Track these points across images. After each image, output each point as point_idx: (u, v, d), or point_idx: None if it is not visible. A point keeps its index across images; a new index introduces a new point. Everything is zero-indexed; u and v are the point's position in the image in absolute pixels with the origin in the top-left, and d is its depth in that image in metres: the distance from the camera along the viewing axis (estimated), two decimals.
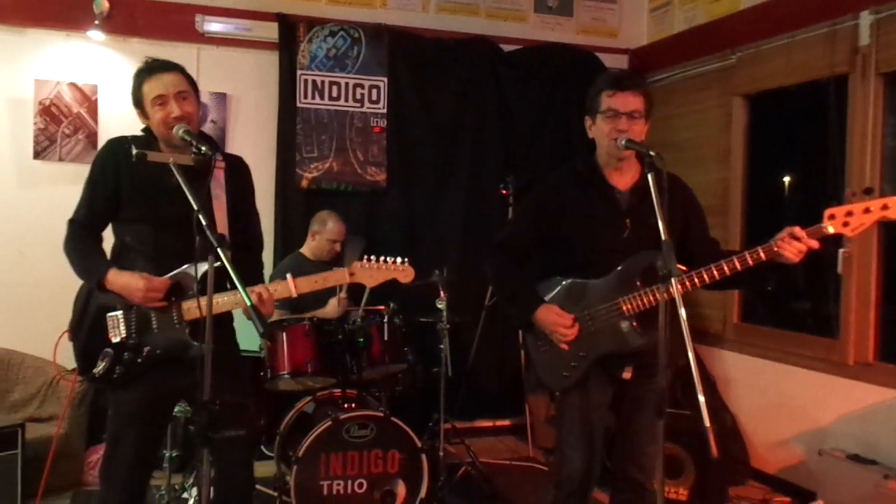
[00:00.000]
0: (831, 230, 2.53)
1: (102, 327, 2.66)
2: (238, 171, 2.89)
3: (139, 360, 2.64)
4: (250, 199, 2.97)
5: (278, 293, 2.69)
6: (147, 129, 2.75)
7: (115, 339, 2.64)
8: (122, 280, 2.59)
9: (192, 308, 2.64)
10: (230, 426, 2.59)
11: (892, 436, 3.98)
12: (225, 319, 2.74)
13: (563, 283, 2.86)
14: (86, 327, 2.69)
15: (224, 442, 2.51)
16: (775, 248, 2.55)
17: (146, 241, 2.69)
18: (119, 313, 2.65)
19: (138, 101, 2.71)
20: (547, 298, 2.85)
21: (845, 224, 2.53)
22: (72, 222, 2.74)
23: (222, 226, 2.68)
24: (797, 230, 2.54)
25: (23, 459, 3.83)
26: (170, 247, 2.65)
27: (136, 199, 2.68)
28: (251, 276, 2.68)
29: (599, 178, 2.85)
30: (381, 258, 2.82)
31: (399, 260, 2.84)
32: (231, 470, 2.75)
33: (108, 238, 2.81)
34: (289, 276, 2.72)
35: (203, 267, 2.41)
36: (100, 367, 2.63)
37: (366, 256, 2.82)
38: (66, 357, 2.86)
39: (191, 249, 2.43)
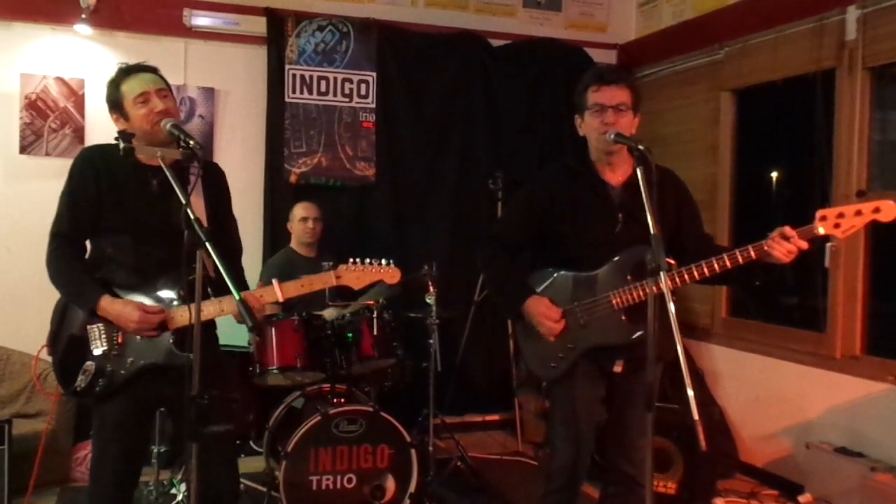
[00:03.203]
0: (822, 231, 2.54)
1: (81, 341, 2.61)
2: (215, 178, 2.86)
3: (122, 372, 2.59)
4: (227, 205, 2.93)
5: (265, 299, 2.66)
6: (122, 138, 2.66)
7: (97, 352, 2.59)
8: (115, 308, 2.54)
9: (176, 317, 2.60)
10: (218, 421, 2.57)
11: (878, 428, 4.01)
12: (208, 327, 2.72)
13: (555, 275, 2.87)
14: (64, 341, 2.64)
15: (210, 439, 2.49)
16: (765, 248, 2.55)
17: (127, 252, 2.63)
18: (100, 325, 2.60)
19: (117, 103, 2.67)
20: (538, 290, 2.86)
21: (836, 226, 2.53)
22: (55, 236, 2.65)
23: None
24: (787, 230, 2.54)
25: (10, 455, 3.81)
26: (151, 257, 2.62)
27: (117, 209, 2.62)
28: (234, 281, 2.65)
29: (591, 173, 2.86)
30: (367, 260, 2.80)
31: (385, 261, 2.83)
32: (215, 477, 2.68)
33: None
34: (275, 281, 2.69)
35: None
36: (80, 380, 2.58)
37: (351, 259, 2.80)
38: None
39: (173, 258, 2.44)
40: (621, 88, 2.75)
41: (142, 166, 2.63)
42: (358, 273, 2.79)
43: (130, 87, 2.64)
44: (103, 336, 2.60)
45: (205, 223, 2.57)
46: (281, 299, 2.70)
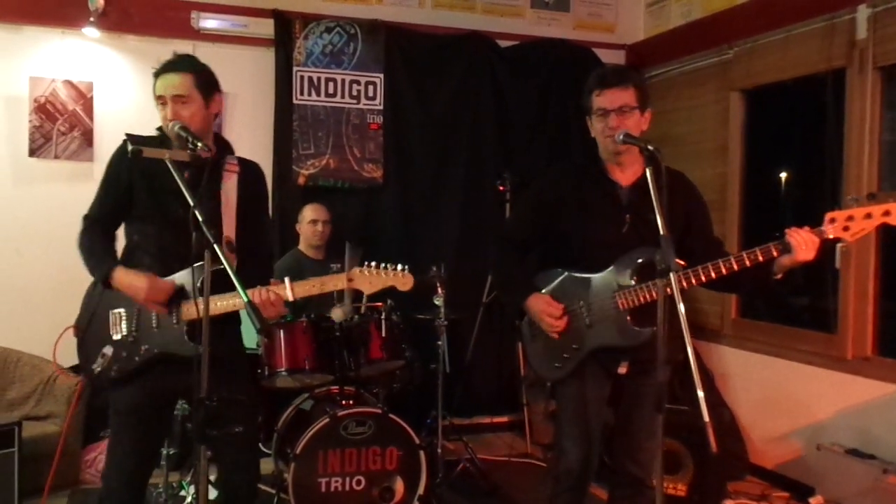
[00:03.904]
0: (831, 235, 2.54)
1: (102, 323, 2.68)
2: (252, 178, 2.90)
3: (136, 359, 2.65)
4: (262, 205, 2.99)
5: (275, 293, 2.66)
6: (129, 138, 2.74)
7: (116, 337, 2.66)
8: (127, 279, 2.59)
9: (190, 309, 2.64)
10: (228, 423, 2.58)
11: (890, 430, 3.98)
12: (230, 320, 2.75)
13: (562, 275, 2.86)
14: (86, 322, 2.72)
15: (223, 440, 2.50)
16: (774, 250, 2.55)
17: (151, 240, 2.71)
18: (121, 311, 2.67)
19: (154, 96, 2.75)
20: (544, 291, 2.86)
21: (845, 229, 2.54)
22: (86, 218, 2.76)
23: (230, 229, 2.70)
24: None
25: (20, 458, 3.82)
26: (172, 247, 2.65)
27: (144, 198, 2.70)
28: (258, 280, 2.67)
29: (600, 172, 2.85)
30: (382, 265, 2.78)
31: (399, 267, 2.80)
32: (231, 472, 2.80)
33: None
34: (286, 280, 2.70)
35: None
36: (98, 363, 2.65)
37: (366, 263, 2.79)
38: (64, 355, 2.86)
39: (195, 249, 2.46)
40: (624, 90, 2.74)
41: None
42: (371, 278, 2.77)
43: (156, 87, 2.70)
44: (123, 322, 2.67)
45: (234, 220, 2.69)
46: (291, 298, 2.69)
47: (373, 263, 2.78)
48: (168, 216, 2.66)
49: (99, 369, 2.66)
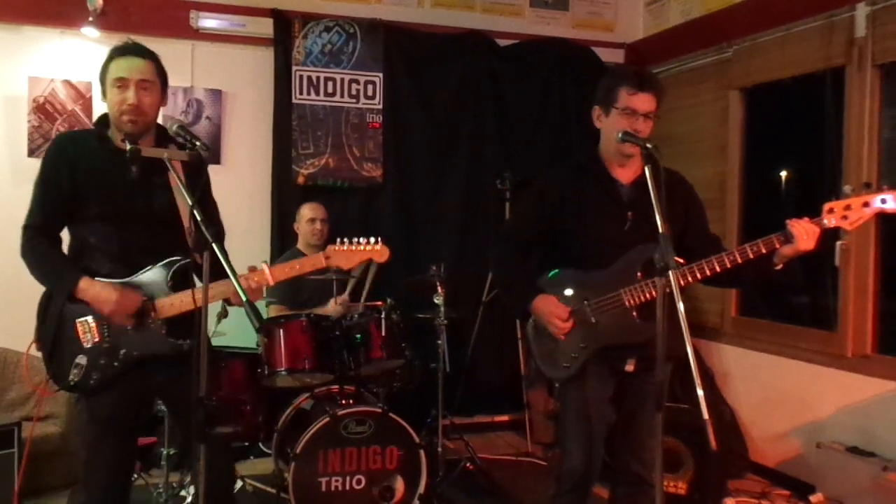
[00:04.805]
0: (830, 224, 2.55)
1: (69, 333, 2.59)
2: (194, 165, 2.79)
3: (116, 364, 2.59)
4: (207, 189, 2.83)
5: (255, 281, 2.62)
6: (100, 122, 2.67)
7: (88, 345, 2.58)
8: (94, 289, 2.52)
9: (165, 305, 2.60)
10: (221, 423, 2.58)
11: (890, 428, 3.98)
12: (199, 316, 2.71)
13: (564, 274, 2.86)
14: (51, 335, 2.62)
15: (217, 440, 2.49)
16: (776, 241, 2.55)
17: (110, 240, 2.62)
18: (89, 318, 2.59)
19: (102, 78, 2.63)
20: (548, 290, 2.85)
21: (844, 218, 2.55)
22: (27, 228, 2.65)
23: (186, 218, 2.57)
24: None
25: (20, 458, 3.81)
26: (135, 243, 2.61)
27: (96, 196, 2.60)
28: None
29: (601, 170, 2.85)
30: (355, 239, 2.76)
31: (373, 239, 2.78)
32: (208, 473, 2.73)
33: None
34: (264, 264, 2.67)
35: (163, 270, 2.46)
36: (74, 374, 2.57)
37: (339, 239, 2.78)
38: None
39: (157, 244, 2.48)
40: (655, 96, 2.75)
41: (120, 152, 2.55)
42: (347, 253, 2.75)
43: (116, 67, 2.59)
44: (93, 328, 2.59)
45: (187, 209, 2.51)
46: (272, 283, 2.65)
47: (346, 239, 2.75)
48: (125, 212, 2.59)
49: (76, 380, 2.57)
